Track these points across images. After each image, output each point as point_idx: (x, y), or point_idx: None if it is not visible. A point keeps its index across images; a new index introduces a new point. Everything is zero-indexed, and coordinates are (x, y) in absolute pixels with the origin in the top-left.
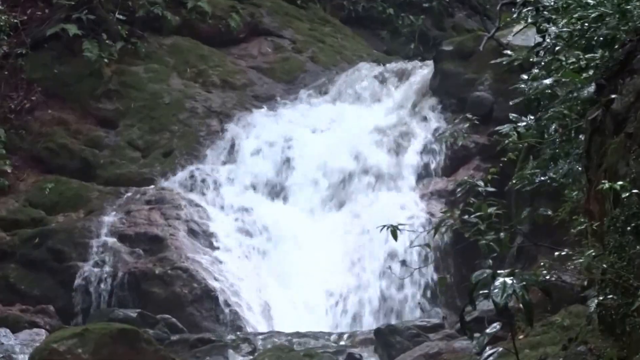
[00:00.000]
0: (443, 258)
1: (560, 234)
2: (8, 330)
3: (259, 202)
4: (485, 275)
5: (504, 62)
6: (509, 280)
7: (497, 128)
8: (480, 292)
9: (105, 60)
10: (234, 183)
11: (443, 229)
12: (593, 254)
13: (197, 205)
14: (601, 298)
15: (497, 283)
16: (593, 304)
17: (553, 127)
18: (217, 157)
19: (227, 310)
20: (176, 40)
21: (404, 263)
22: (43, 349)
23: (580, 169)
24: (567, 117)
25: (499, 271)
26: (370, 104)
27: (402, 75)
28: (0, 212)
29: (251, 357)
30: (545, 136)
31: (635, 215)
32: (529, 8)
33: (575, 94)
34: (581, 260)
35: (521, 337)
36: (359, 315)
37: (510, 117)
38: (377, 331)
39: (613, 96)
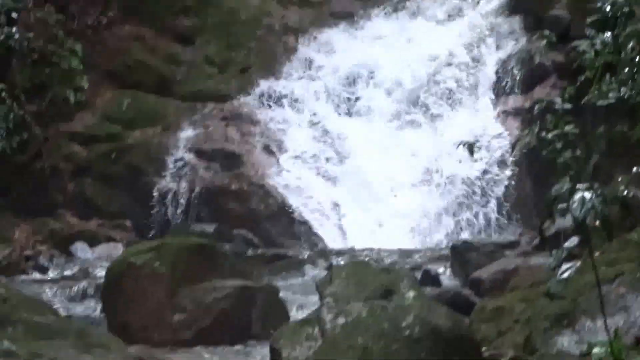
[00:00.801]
0: (519, 176)
1: (637, 151)
2: (85, 245)
3: (335, 117)
4: (563, 190)
5: None
6: (587, 195)
7: (574, 44)
8: (559, 206)
9: None
10: (310, 99)
11: (519, 147)
12: None
13: (273, 121)
14: None
15: (575, 198)
16: None
17: (631, 44)
18: (293, 73)
19: (302, 226)
20: None
21: (480, 181)
22: (120, 263)
23: None
24: None
25: (577, 185)
26: (448, 22)
27: None
28: (77, 128)
29: (327, 272)
30: (623, 54)
31: None
32: None
33: None
34: None
35: (597, 254)
36: (435, 231)
37: (587, 34)
38: (453, 248)
39: None
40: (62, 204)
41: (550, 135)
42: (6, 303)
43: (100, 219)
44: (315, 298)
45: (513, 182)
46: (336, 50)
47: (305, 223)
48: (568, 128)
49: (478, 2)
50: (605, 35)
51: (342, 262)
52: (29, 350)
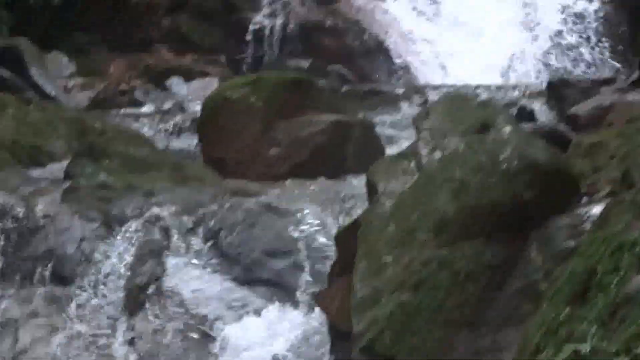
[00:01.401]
0: (614, 12)
1: None
2: (180, 79)
3: None
4: None
5: None
6: None
7: None
8: None
9: None
10: None
11: None
12: None
13: None
14: None
15: None
16: None
17: None
18: None
19: (398, 63)
20: None
21: (575, 17)
22: (216, 97)
23: None
24: None
25: None
26: None
27: None
28: None
29: (423, 107)
30: None
31: None
32: None
33: None
34: None
35: None
36: (530, 68)
37: None
38: (549, 84)
39: None
40: (157, 39)
41: None
42: (103, 136)
43: (195, 54)
44: (410, 133)
45: (608, 19)
46: None
47: (400, 59)
48: None
49: None
50: None
51: (437, 98)
52: (124, 182)
